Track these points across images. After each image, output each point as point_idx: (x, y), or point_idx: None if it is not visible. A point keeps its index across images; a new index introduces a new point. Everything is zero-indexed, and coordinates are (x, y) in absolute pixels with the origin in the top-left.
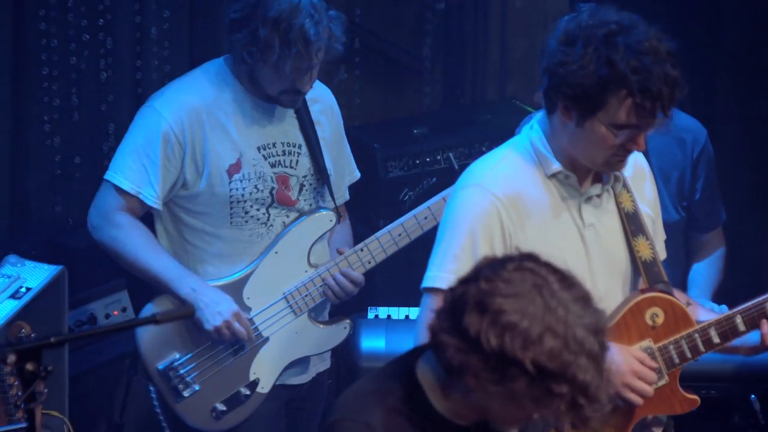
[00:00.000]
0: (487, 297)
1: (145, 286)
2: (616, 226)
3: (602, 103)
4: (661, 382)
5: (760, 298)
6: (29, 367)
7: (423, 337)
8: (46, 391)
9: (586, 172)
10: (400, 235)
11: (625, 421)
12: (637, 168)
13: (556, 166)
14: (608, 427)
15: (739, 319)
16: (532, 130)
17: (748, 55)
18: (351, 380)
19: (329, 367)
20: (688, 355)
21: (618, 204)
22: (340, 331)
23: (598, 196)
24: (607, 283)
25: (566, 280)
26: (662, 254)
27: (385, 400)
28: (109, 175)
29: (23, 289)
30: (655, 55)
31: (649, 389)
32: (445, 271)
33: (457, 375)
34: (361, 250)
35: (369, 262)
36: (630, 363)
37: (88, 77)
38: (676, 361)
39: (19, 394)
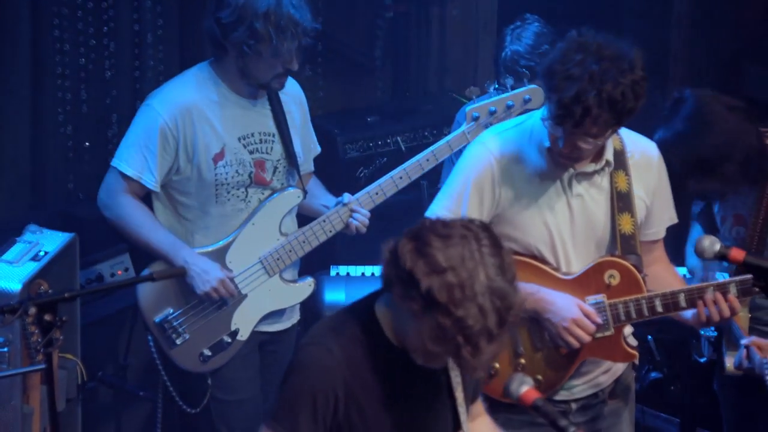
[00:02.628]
0: (423, 230)
1: (143, 252)
2: (604, 200)
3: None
4: (607, 333)
5: (704, 285)
6: (47, 317)
7: None
8: (61, 338)
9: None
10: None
11: (569, 361)
12: (645, 157)
13: (548, 144)
14: (553, 365)
15: (682, 297)
16: (540, 110)
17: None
18: None
19: (299, 319)
20: (633, 315)
21: (612, 183)
22: (305, 288)
23: (591, 173)
24: (586, 246)
25: (497, 247)
26: (659, 234)
27: (347, 330)
28: (115, 163)
29: (42, 253)
30: (591, 78)
31: (585, 337)
32: (440, 207)
33: (387, 288)
34: (376, 193)
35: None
36: (574, 312)
37: (94, 76)
38: (622, 318)
39: (39, 340)
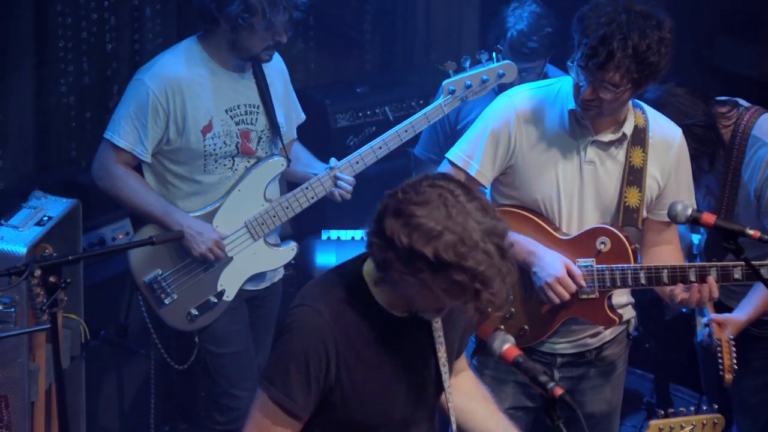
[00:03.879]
0: (402, 204)
1: (138, 216)
2: (616, 172)
3: (573, 46)
4: (592, 295)
5: (688, 264)
6: (52, 279)
7: None
8: (65, 298)
9: (605, 120)
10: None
11: (553, 316)
12: (665, 139)
13: (573, 105)
14: (539, 317)
15: (665, 273)
16: (570, 77)
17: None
18: None
19: (282, 276)
20: (618, 283)
21: (628, 157)
22: (288, 252)
23: (608, 143)
24: (591, 211)
25: (470, 193)
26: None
27: (336, 292)
28: (108, 135)
29: (46, 218)
30: (619, 26)
31: (565, 295)
32: (460, 150)
33: (383, 270)
34: (356, 162)
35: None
36: (559, 270)
37: (96, 48)
38: (607, 283)
39: (44, 301)
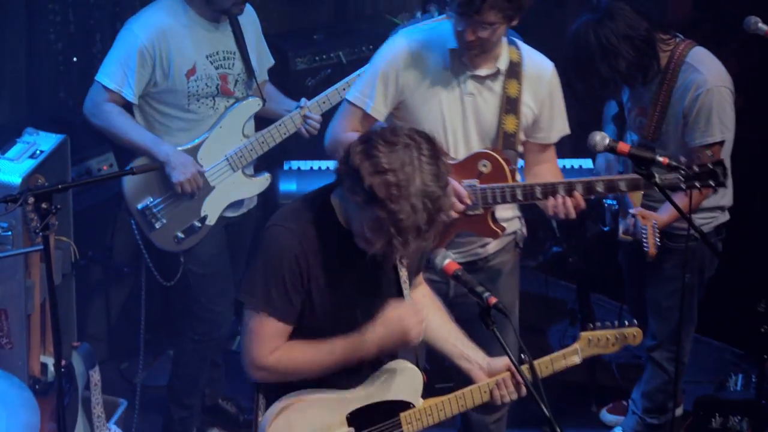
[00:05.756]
0: (373, 135)
1: (125, 150)
2: (495, 102)
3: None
4: (477, 211)
5: (558, 181)
6: (44, 205)
7: (330, 129)
8: (56, 223)
9: (481, 57)
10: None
11: (445, 230)
12: (538, 71)
13: (453, 45)
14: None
15: (538, 189)
16: (449, 19)
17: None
18: (273, 212)
19: (256, 204)
20: (498, 200)
21: (504, 88)
22: (263, 182)
23: (485, 77)
24: (474, 138)
25: (435, 158)
26: (549, 140)
27: (306, 214)
28: (99, 77)
29: (38, 152)
30: None
31: (453, 213)
32: (357, 91)
33: (339, 181)
34: (323, 101)
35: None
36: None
37: (80, 1)
38: (489, 201)
39: (38, 225)
